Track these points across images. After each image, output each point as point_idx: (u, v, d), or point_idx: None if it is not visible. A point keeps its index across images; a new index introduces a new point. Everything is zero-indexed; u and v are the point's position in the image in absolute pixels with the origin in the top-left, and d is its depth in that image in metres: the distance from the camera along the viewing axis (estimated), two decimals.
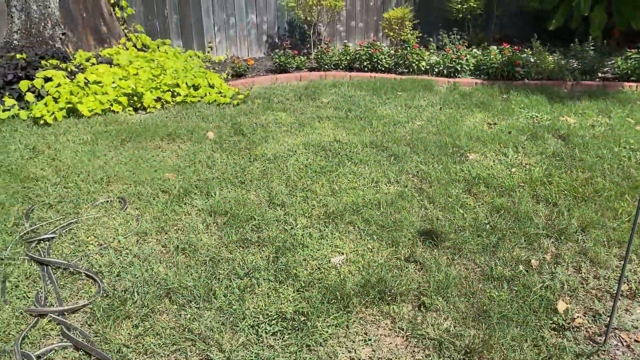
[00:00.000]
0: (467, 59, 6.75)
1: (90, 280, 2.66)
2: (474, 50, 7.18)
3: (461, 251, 2.93)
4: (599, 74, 6.65)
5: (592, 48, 6.69)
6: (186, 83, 5.76)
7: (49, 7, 6.30)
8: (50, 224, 3.17)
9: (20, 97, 5.23)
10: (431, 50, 7.15)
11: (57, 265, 2.73)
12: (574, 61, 6.83)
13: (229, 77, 6.88)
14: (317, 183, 3.76)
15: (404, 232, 3.10)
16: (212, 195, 3.53)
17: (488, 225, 3.19)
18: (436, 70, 6.82)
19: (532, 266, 2.81)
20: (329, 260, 2.82)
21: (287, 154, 4.28)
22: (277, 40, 8.19)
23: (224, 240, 3.00)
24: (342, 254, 2.90)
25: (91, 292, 2.58)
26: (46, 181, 3.70)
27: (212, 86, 6.00)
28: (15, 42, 6.27)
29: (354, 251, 2.92)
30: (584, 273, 2.76)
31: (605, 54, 7.00)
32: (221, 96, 5.86)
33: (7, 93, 5.20)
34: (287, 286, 2.59)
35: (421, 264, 2.82)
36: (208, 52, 7.86)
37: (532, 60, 6.60)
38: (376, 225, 3.18)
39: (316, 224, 3.20)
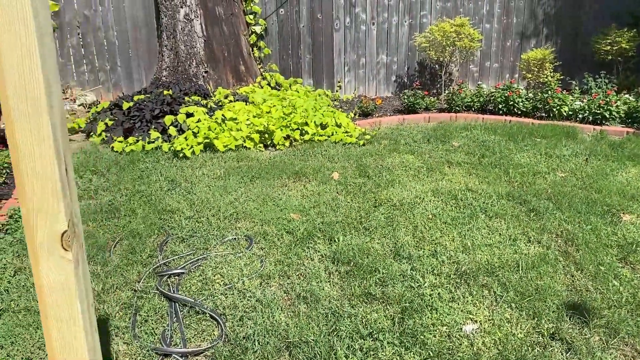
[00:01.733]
0: (617, 106, 6.12)
1: (214, 321, 2.65)
2: (625, 95, 6.51)
3: (617, 333, 2.51)
4: None
5: None
6: (314, 122, 5.84)
7: (195, 47, 6.79)
8: (180, 258, 3.27)
9: (163, 131, 5.62)
10: (575, 95, 6.59)
11: (184, 302, 2.77)
12: None
13: (356, 116, 6.88)
14: (447, 236, 3.52)
15: (548, 303, 2.75)
16: (335, 241, 3.43)
17: None
18: (580, 116, 6.26)
19: None
20: (461, 328, 2.56)
21: (414, 200, 4.09)
22: (406, 80, 8.10)
23: (347, 292, 2.87)
24: (476, 322, 2.63)
25: (214, 334, 2.56)
26: (181, 214, 3.86)
27: (339, 125, 6.02)
28: (164, 78, 6.83)
29: (489, 320, 2.64)
30: None
31: None
32: (347, 136, 5.84)
33: (153, 126, 5.62)
34: (413, 354, 2.38)
35: (569, 344, 2.45)
36: (337, 91, 7.97)
37: None
38: (514, 291, 2.86)
39: (446, 283, 2.96)
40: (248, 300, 2.81)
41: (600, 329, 2.55)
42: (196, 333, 2.58)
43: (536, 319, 2.64)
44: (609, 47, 7.37)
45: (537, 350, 2.41)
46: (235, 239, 3.51)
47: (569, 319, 2.63)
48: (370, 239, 3.50)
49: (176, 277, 3.04)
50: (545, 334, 2.53)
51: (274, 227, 3.64)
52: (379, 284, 2.95)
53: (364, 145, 5.68)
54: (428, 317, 2.63)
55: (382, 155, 5.29)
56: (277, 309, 2.72)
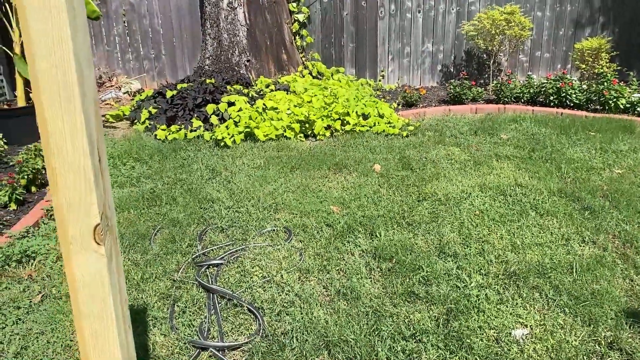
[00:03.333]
0: None
1: (252, 315, 2.60)
2: None
3: None
4: None
5: None
6: (356, 112, 5.71)
7: (238, 36, 6.75)
8: (219, 249, 3.23)
9: (205, 119, 5.61)
10: (632, 87, 6.22)
11: (222, 294, 2.72)
12: None
13: (399, 106, 6.71)
14: (494, 234, 3.36)
15: (605, 309, 2.56)
16: (376, 236, 3.32)
17: None
18: (638, 109, 5.90)
19: None
20: (510, 333, 2.42)
21: (461, 195, 3.93)
22: (452, 70, 7.85)
23: (388, 290, 2.76)
24: (526, 326, 2.47)
25: (251, 329, 2.51)
26: (220, 203, 3.82)
27: (381, 116, 5.87)
28: (206, 67, 6.82)
29: (540, 325, 2.48)
30: None
31: None
32: (390, 126, 5.69)
33: (195, 115, 5.62)
34: (459, 358, 2.25)
35: (629, 355, 2.28)
36: (380, 80, 7.80)
37: None
38: (568, 295, 2.68)
39: (494, 284, 2.80)
40: (286, 294, 2.74)
41: None
42: (233, 327, 2.53)
43: (592, 325, 2.46)
44: None
45: None
46: (274, 230, 3.45)
47: (629, 327, 2.44)
48: (414, 234, 3.37)
49: (215, 267, 3.00)
50: (603, 342, 2.36)
51: (314, 219, 3.56)
52: (423, 282, 2.82)
53: (407, 136, 5.52)
54: (474, 320, 2.50)
55: (426, 147, 5.13)
56: (316, 305, 2.64)
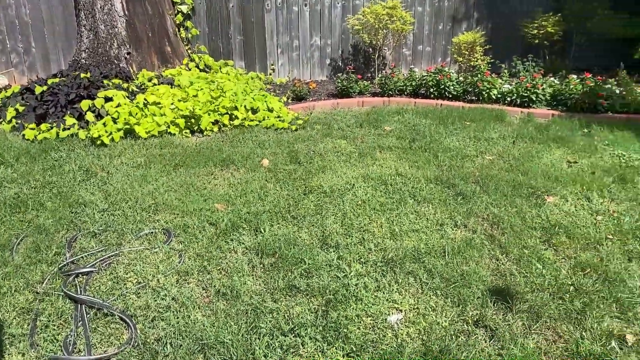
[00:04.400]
0: (543, 89, 6.26)
1: (124, 324, 2.45)
2: (551, 78, 6.67)
3: (540, 317, 2.51)
4: None
5: None
6: (244, 106, 5.62)
7: (116, 27, 6.38)
8: (91, 256, 3.02)
9: (80, 117, 5.24)
10: (503, 78, 6.69)
11: (91, 304, 2.55)
12: None
13: (289, 100, 6.71)
14: (375, 222, 3.45)
15: (472, 289, 2.72)
16: (261, 232, 3.28)
17: (571, 287, 2.76)
18: (508, 99, 6.36)
19: (627, 342, 2.36)
20: (385, 319, 2.49)
21: (345, 187, 3.99)
22: (340, 64, 7.98)
23: (270, 286, 2.73)
24: (401, 311, 2.56)
25: (123, 338, 2.36)
26: (94, 207, 3.58)
27: (271, 110, 5.83)
28: (83, 60, 6.39)
29: (414, 309, 2.58)
30: None
31: None
32: (280, 120, 5.67)
33: (68, 112, 5.23)
34: (336, 349, 2.28)
35: (492, 331, 2.43)
36: (270, 74, 7.76)
37: (617, 91, 6.02)
38: (440, 277, 2.82)
39: (372, 271, 2.87)
40: (162, 299, 2.62)
41: (524, 314, 2.55)
42: (103, 337, 2.37)
43: (461, 306, 2.60)
44: (535, 31, 7.53)
45: (462, 339, 2.36)
46: (152, 232, 3.29)
47: (493, 305, 2.61)
48: (298, 228, 3.37)
49: (84, 276, 2.80)
50: (470, 321, 2.49)
51: (196, 218, 3.44)
52: (304, 275, 2.83)
53: (296, 130, 5.53)
54: (353, 309, 2.54)
55: (314, 140, 5.16)
56: (194, 307, 2.55)
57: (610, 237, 3.27)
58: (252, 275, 2.85)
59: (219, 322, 2.42)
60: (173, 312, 2.51)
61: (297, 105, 6.49)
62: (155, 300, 2.60)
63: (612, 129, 5.40)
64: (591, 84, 6.10)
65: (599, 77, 6.50)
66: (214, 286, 2.72)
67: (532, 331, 2.43)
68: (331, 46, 7.88)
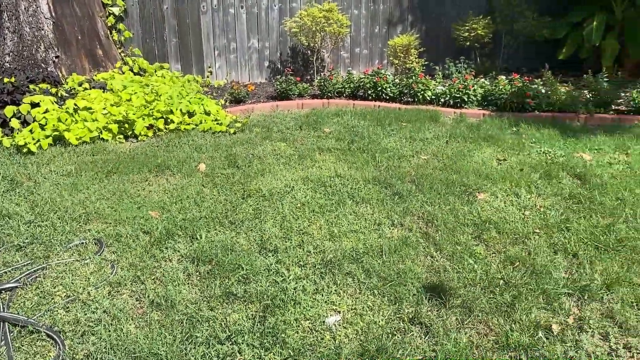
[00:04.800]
0: (474, 89, 6.49)
1: (51, 340, 2.34)
2: (482, 80, 6.93)
3: (472, 312, 2.60)
4: (613, 107, 6.36)
5: (605, 79, 6.41)
6: (180, 110, 5.50)
7: (43, 30, 6.10)
8: (15, 270, 2.87)
9: (4, 124, 4.97)
10: (437, 80, 6.88)
11: (14, 321, 2.41)
12: (586, 92, 6.56)
13: (227, 103, 6.63)
14: (314, 224, 3.46)
15: (408, 287, 2.78)
16: (197, 239, 3.22)
17: (501, 280, 2.87)
18: (442, 100, 6.56)
19: (553, 332, 2.47)
20: (324, 321, 2.50)
21: (284, 189, 3.98)
22: (279, 66, 7.97)
23: (206, 294, 2.68)
24: (339, 312, 2.58)
25: (50, 356, 2.25)
26: (19, 218, 3.40)
27: (208, 113, 5.74)
28: (7, 64, 6.07)
29: (352, 309, 2.60)
30: (613, 342, 2.42)
31: (619, 85, 6.73)
32: (217, 124, 5.59)
33: None
34: (274, 354, 2.26)
35: (427, 327, 2.49)
36: (207, 76, 7.64)
37: (543, 91, 6.33)
38: (378, 277, 2.86)
39: (311, 274, 2.88)
40: (93, 312, 2.52)
41: (457, 309, 2.62)
42: (28, 356, 2.25)
43: (397, 304, 2.65)
44: (467, 34, 7.80)
45: (398, 337, 2.41)
46: (83, 243, 3.16)
47: (428, 301, 2.67)
48: (236, 233, 3.33)
49: (8, 292, 2.65)
50: (406, 319, 2.54)
51: (130, 227, 3.34)
52: (242, 281, 2.79)
53: (234, 133, 5.47)
54: (291, 313, 2.53)
55: (253, 143, 5.12)
56: (127, 319, 2.47)
57: (537, 231, 3.42)
58: (188, 283, 2.79)
59: (153, 334, 2.35)
60: (104, 325, 2.42)
61: (236, 108, 6.43)
62: (86, 314, 2.50)
63: (538, 127, 5.66)
64: (519, 85, 6.38)
65: (526, 77, 6.81)
66: (148, 296, 2.65)
67: (465, 325, 2.51)
68: (269, 48, 7.86)
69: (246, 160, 4.62)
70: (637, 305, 2.67)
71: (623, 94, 6.75)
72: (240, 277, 2.82)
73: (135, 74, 6.84)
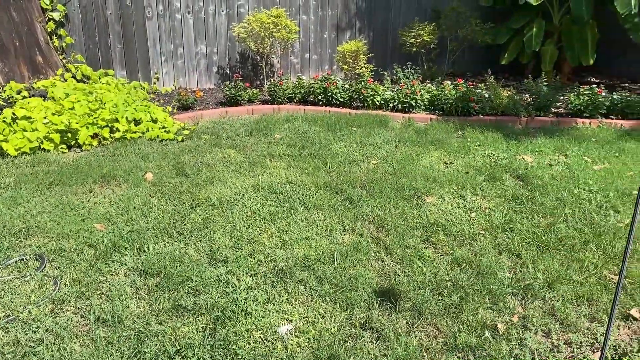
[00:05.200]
0: (421, 95, 6.63)
1: None
2: (429, 85, 7.09)
3: (421, 314, 2.65)
4: (552, 110, 6.64)
5: (544, 83, 6.69)
6: (126, 118, 5.36)
7: None
8: None
9: None
10: (386, 85, 6.99)
11: None
12: (527, 96, 6.83)
13: (175, 110, 6.51)
14: (265, 233, 3.44)
15: (360, 292, 2.80)
16: (144, 251, 3.14)
17: (449, 282, 2.94)
18: (391, 105, 6.66)
19: (498, 331, 2.55)
20: (275, 331, 2.49)
21: (234, 197, 3.95)
22: (228, 72, 7.90)
23: (155, 307, 2.62)
24: (291, 321, 2.57)
25: None
26: None
27: (155, 121, 5.62)
28: None
29: (304, 317, 2.60)
30: (555, 339, 2.52)
31: (558, 89, 7.03)
32: (165, 131, 5.48)
33: None
34: None
35: (378, 332, 2.52)
36: (154, 83, 7.48)
37: (486, 95, 6.53)
38: (329, 283, 2.87)
39: (262, 283, 2.86)
40: (35, 332, 2.42)
41: (407, 312, 2.67)
42: None
43: (349, 310, 2.67)
44: (413, 40, 7.97)
45: (349, 344, 2.42)
46: (23, 259, 3.03)
47: (379, 306, 2.71)
48: (185, 244, 3.27)
49: None
50: (357, 324, 2.57)
51: (73, 241, 3.22)
52: (191, 293, 2.75)
53: (182, 141, 5.38)
54: (242, 324, 2.51)
55: (202, 151, 5.05)
56: (71, 338, 2.38)
57: (483, 232, 3.53)
58: (136, 297, 2.72)
59: (98, 352, 2.28)
60: (47, 345, 2.33)
61: (184, 114, 6.32)
62: (27, 334, 2.40)
63: (483, 130, 5.84)
64: (463, 90, 6.57)
65: (470, 82, 7.02)
66: (94, 313, 2.56)
67: (415, 328, 2.56)
68: (218, 54, 7.78)
69: (195, 168, 4.55)
70: (576, 301, 2.79)
71: (562, 98, 7.06)
72: (189, 289, 2.77)
73: (78, 81, 6.62)
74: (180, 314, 2.58)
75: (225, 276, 2.90)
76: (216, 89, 7.79)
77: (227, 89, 6.74)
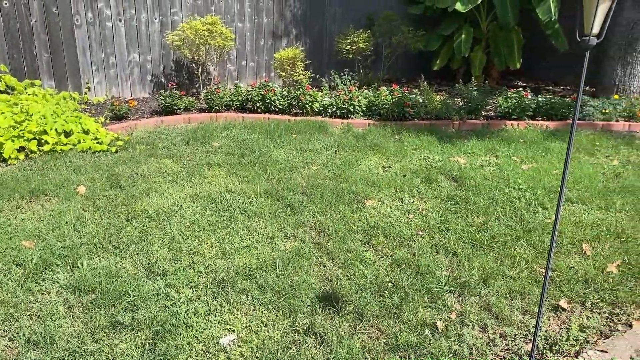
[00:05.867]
0: (359, 100, 6.74)
1: None
2: (366, 91, 7.22)
3: (364, 317, 2.68)
4: (483, 113, 6.93)
5: (475, 88, 6.97)
6: (55, 129, 5.14)
7: None
8: None
9: None
10: (324, 91, 7.06)
11: None
12: (459, 100, 7.08)
13: (108, 120, 6.30)
14: (205, 243, 3.38)
15: (303, 298, 2.81)
16: (78, 267, 3.02)
17: (390, 283, 2.99)
18: (330, 111, 6.74)
19: (438, 329, 2.62)
20: (218, 342, 2.45)
21: (172, 209, 3.86)
22: (163, 80, 7.72)
23: (90, 325, 2.52)
24: (233, 331, 2.54)
25: None
26: None
27: (87, 132, 5.42)
28: None
29: (246, 327, 2.57)
30: (491, 333, 2.62)
31: (487, 93, 7.34)
32: (97, 143, 5.29)
33: None
34: None
35: (322, 337, 2.53)
36: (86, 93, 7.21)
37: (420, 100, 6.73)
38: (272, 291, 2.86)
39: (203, 295, 2.81)
40: None
41: (350, 315, 2.70)
42: None
43: (292, 316, 2.66)
44: (349, 47, 8.09)
45: (293, 350, 2.42)
46: None
47: (322, 311, 2.72)
48: (121, 258, 3.17)
49: None
50: (301, 330, 2.57)
51: (0, 261, 3.05)
52: (129, 309, 2.66)
53: (117, 152, 5.21)
54: (183, 337, 2.45)
55: (137, 161, 4.91)
56: None
57: (421, 233, 3.62)
58: (70, 316, 2.60)
59: None
60: None
61: (117, 125, 6.13)
62: None
63: (418, 134, 6.01)
64: (399, 95, 6.73)
65: (405, 88, 7.21)
66: (24, 335, 2.43)
67: (358, 331, 2.59)
68: (152, 62, 7.59)
69: (130, 180, 4.41)
70: (510, 296, 2.91)
71: (491, 101, 7.37)
72: (127, 305, 2.68)
73: (1, 92, 6.28)
74: (117, 330, 2.49)
75: (165, 289, 2.83)
76: (151, 98, 7.60)
77: (162, 97, 6.60)
